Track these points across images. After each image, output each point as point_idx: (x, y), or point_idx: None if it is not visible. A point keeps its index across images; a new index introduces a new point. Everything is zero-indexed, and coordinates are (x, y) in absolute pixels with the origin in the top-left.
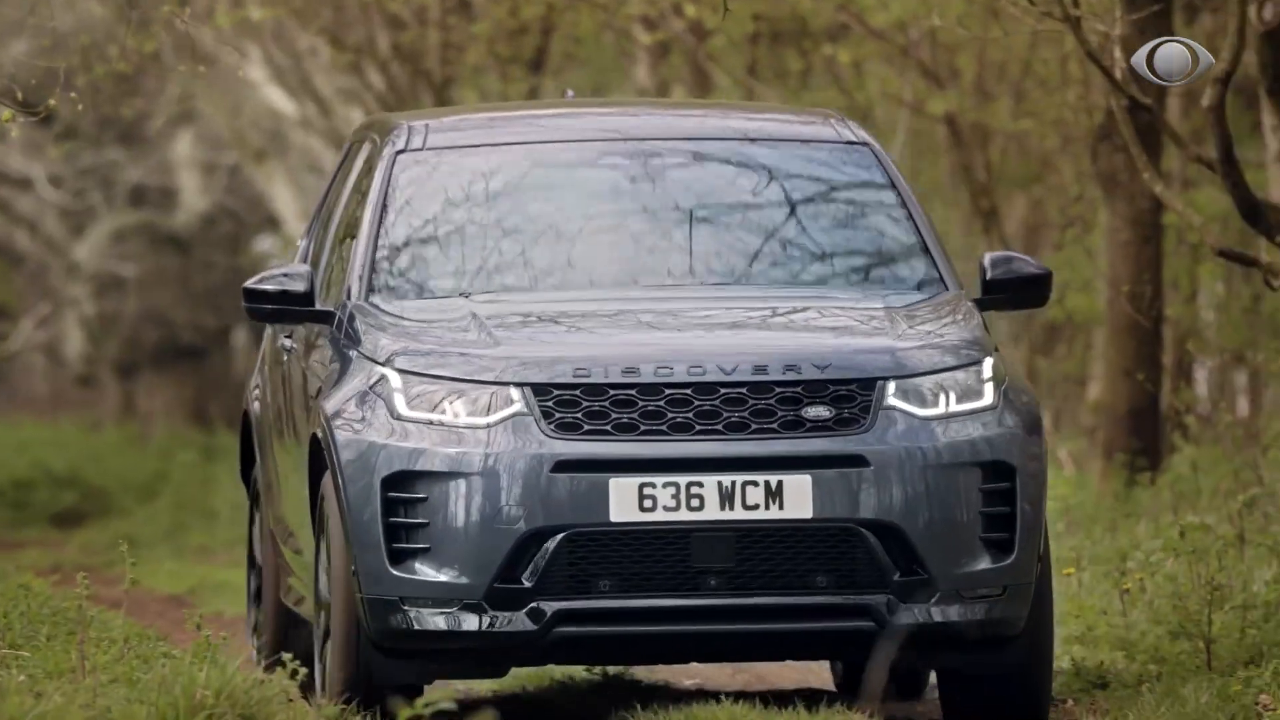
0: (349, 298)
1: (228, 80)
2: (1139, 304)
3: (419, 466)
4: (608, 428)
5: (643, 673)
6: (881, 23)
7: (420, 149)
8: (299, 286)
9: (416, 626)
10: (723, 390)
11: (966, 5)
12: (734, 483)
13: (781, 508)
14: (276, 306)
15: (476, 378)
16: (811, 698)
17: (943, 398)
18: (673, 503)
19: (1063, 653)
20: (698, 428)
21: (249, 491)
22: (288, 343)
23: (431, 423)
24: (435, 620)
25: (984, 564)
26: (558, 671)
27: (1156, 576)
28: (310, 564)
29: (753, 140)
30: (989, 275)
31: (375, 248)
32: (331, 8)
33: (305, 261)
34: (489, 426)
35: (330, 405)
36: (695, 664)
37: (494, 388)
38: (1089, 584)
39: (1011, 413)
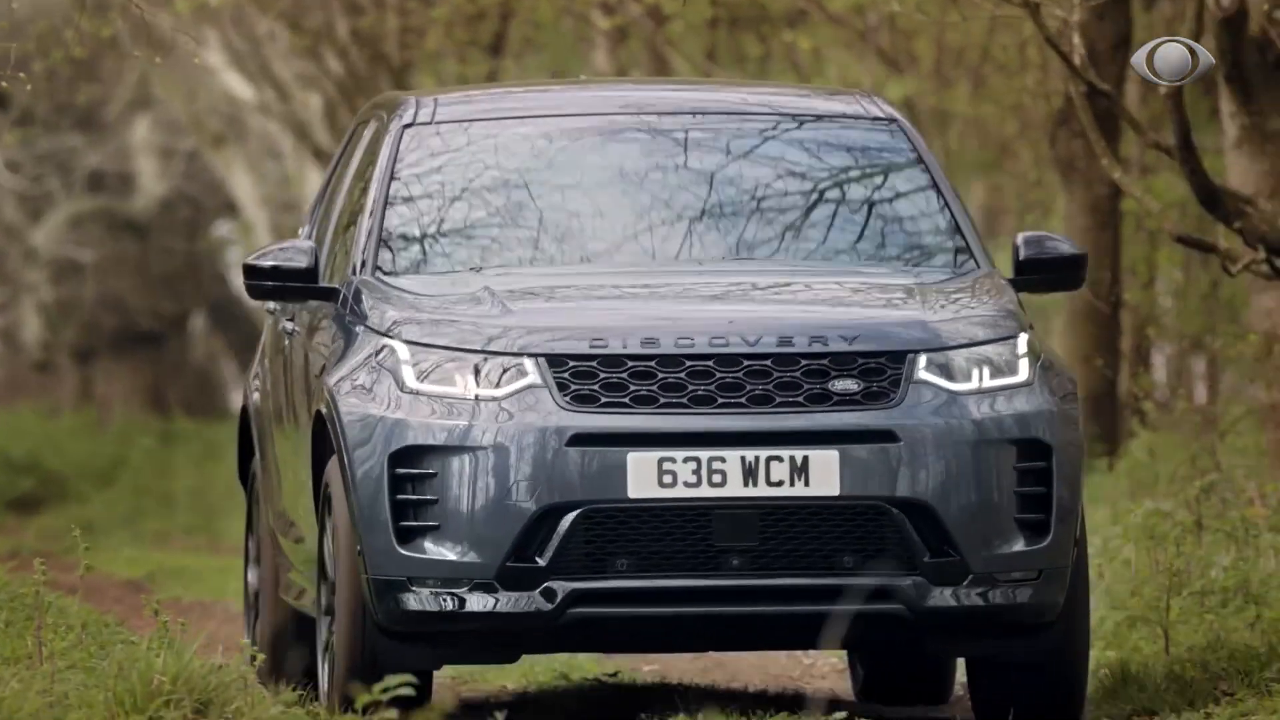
0: (355, 273)
1: (186, 65)
2: (1097, 290)
3: (428, 441)
4: (626, 400)
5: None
6: (840, 8)
7: (429, 123)
8: (302, 262)
9: (425, 608)
10: (746, 362)
11: None
12: (757, 458)
13: (807, 485)
14: (278, 283)
15: (488, 348)
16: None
17: (976, 372)
18: (693, 478)
19: None
20: (720, 401)
21: (247, 491)
22: (289, 325)
23: (441, 396)
24: (444, 601)
25: (1018, 546)
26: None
27: (1114, 562)
28: (312, 551)
29: (778, 115)
30: (1022, 255)
31: (382, 222)
32: None
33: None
34: (501, 399)
35: (335, 379)
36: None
37: (506, 359)
38: None
39: (1048, 389)
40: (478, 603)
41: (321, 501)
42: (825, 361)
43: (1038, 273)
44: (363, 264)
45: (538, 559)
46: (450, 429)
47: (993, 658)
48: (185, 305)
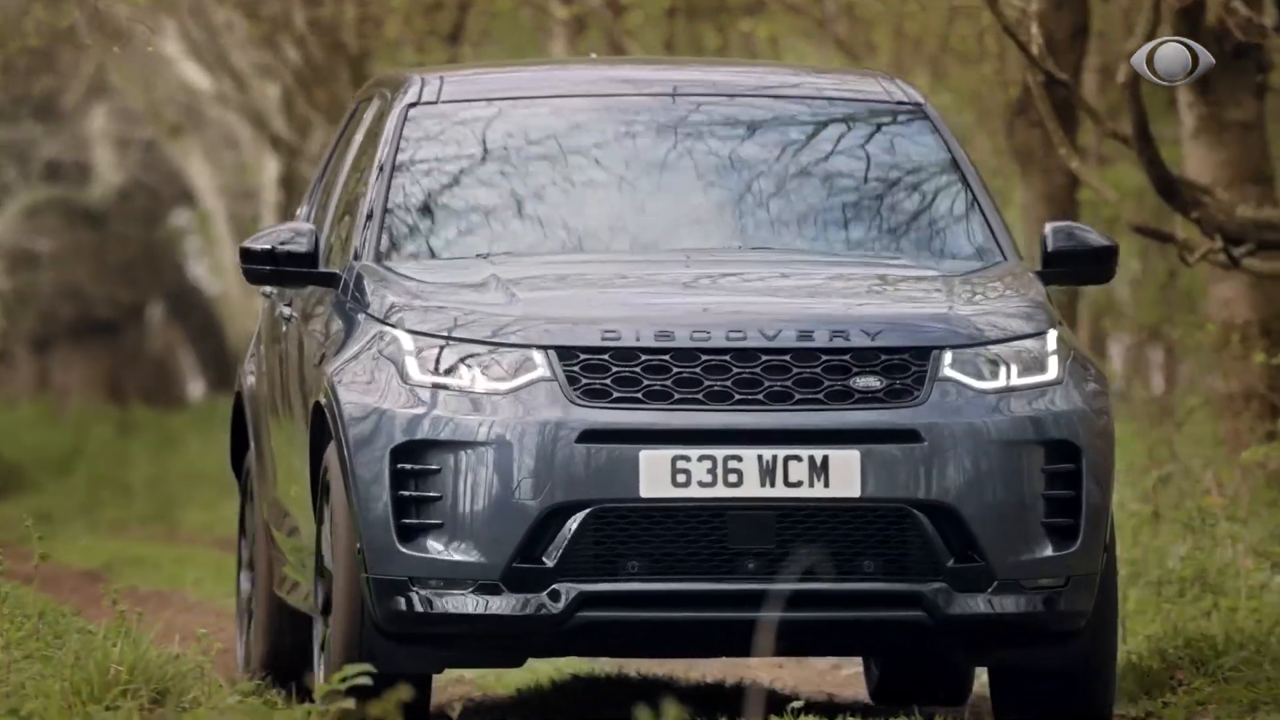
0: (356, 259)
1: (143, 55)
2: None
3: (432, 435)
4: (638, 395)
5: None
6: None
7: (434, 102)
8: (302, 246)
9: (426, 609)
10: (764, 357)
11: None
12: (775, 457)
13: (827, 485)
14: (276, 268)
15: (496, 340)
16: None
17: (1003, 370)
18: (708, 478)
19: None
20: (736, 397)
21: (240, 482)
22: (286, 310)
23: (446, 388)
24: (447, 603)
25: (1046, 551)
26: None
27: None
28: (309, 544)
29: (797, 97)
30: (1050, 247)
31: (385, 206)
32: None
33: None
34: (509, 393)
35: (335, 370)
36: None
37: (515, 351)
38: None
39: (1078, 389)
40: (482, 604)
41: (320, 490)
42: (847, 357)
43: (1067, 265)
44: (364, 249)
45: (545, 560)
46: (455, 424)
47: (1018, 666)
48: (143, 294)
